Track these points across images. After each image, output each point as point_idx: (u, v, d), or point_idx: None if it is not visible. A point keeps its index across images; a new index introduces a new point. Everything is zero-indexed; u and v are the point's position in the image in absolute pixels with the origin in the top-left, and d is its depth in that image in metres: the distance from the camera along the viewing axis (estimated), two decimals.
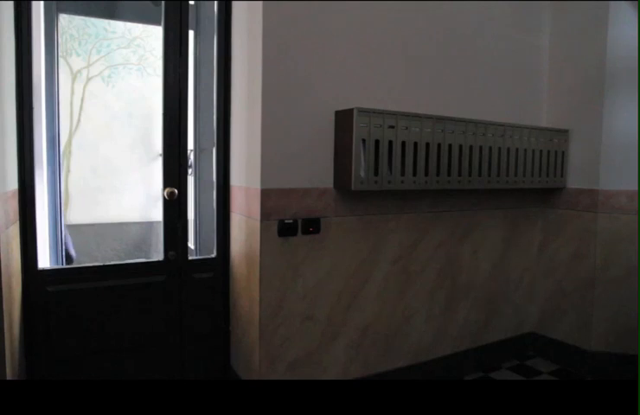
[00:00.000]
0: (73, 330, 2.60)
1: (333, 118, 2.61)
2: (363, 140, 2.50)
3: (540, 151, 3.25)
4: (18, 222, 2.40)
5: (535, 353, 3.61)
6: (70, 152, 5.06)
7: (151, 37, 5.17)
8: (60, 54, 3.22)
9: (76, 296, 2.60)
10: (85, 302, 2.62)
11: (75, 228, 4.82)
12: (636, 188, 3.11)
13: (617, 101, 3.15)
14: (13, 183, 2.33)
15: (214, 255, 2.91)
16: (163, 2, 2.68)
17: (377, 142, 2.54)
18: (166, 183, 2.75)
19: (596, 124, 3.21)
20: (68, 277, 2.61)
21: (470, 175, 2.91)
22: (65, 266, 2.92)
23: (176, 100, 2.73)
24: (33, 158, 2.48)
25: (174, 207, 2.78)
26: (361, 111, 2.48)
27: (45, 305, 2.53)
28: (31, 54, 2.45)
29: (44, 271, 2.55)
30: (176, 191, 2.75)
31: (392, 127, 2.59)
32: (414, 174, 2.69)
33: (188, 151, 2.88)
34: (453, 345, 3.23)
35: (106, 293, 2.67)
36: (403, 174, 2.65)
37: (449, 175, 2.82)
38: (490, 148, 2.99)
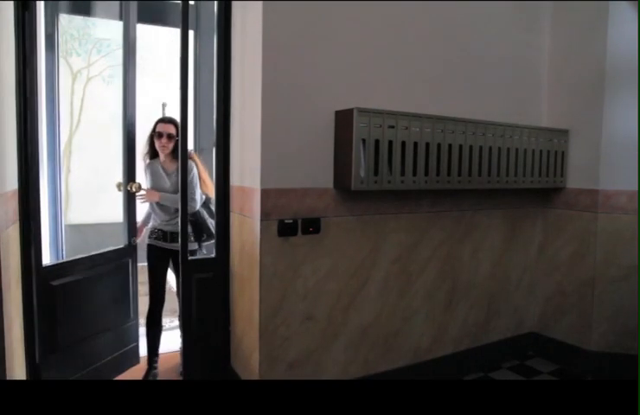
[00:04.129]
0: (76, 321, 2.62)
1: (333, 118, 2.61)
2: (363, 140, 2.50)
3: (540, 151, 3.24)
4: (18, 222, 2.40)
5: (535, 353, 3.61)
6: (70, 152, 5.06)
7: (151, 37, 5.17)
8: (60, 54, 3.22)
9: (77, 288, 2.62)
10: (84, 293, 2.65)
11: (75, 228, 4.82)
12: (636, 188, 3.11)
13: (617, 101, 3.15)
14: (13, 183, 2.33)
15: (213, 255, 2.91)
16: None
17: (377, 142, 2.54)
18: None
19: (596, 124, 3.21)
20: (70, 270, 2.64)
21: (469, 175, 2.91)
22: (66, 259, 2.94)
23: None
24: (33, 158, 2.48)
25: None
26: (361, 111, 2.48)
27: (50, 300, 2.55)
28: (31, 54, 2.44)
29: (46, 268, 2.56)
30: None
31: (392, 127, 2.59)
32: (414, 174, 2.69)
33: (189, 151, 2.87)
34: (453, 345, 3.23)
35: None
36: (403, 174, 2.65)
37: (449, 175, 2.82)
38: (490, 148, 2.99)
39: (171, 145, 3.08)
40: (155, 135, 3.08)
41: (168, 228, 3.11)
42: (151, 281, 3.12)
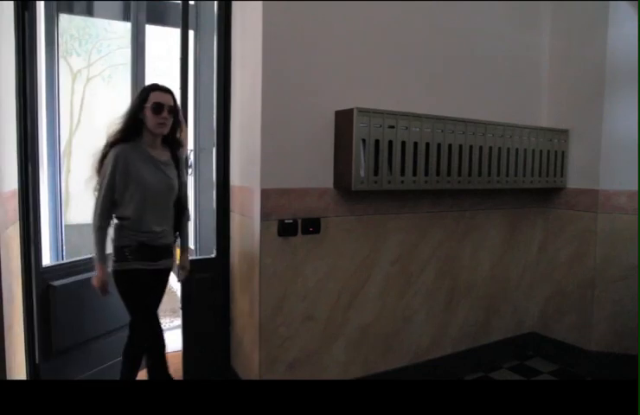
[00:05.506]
0: (75, 323, 2.61)
1: (333, 118, 2.61)
2: (363, 140, 2.50)
3: (540, 151, 3.24)
4: (18, 222, 2.40)
5: (535, 353, 3.61)
6: (70, 152, 5.06)
7: (151, 37, 5.17)
8: (60, 54, 3.22)
9: (77, 288, 2.62)
10: (85, 295, 2.64)
11: (76, 228, 4.82)
12: (636, 188, 3.11)
13: (617, 101, 3.15)
14: (13, 183, 2.33)
15: (213, 255, 2.91)
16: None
17: (377, 142, 2.54)
18: None
19: (596, 124, 3.21)
20: (70, 271, 2.63)
21: (469, 175, 2.91)
22: (66, 261, 2.94)
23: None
24: (33, 158, 2.48)
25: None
26: (361, 111, 2.48)
27: (48, 299, 2.54)
28: (32, 55, 2.45)
29: (46, 269, 2.56)
30: None
31: (392, 127, 2.58)
32: (414, 174, 2.69)
33: (188, 151, 2.87)
34: (453, 345, 3.23)
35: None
36: (403, 174, 2.65)
37: (449, 175, 2.82)
38: (490, 148, 2.99)
39: (171, 123, 2.28)
40: (150, 107, 2.21)
41: (161, 241, 2.30)
42: (138, 317, 2.33)
